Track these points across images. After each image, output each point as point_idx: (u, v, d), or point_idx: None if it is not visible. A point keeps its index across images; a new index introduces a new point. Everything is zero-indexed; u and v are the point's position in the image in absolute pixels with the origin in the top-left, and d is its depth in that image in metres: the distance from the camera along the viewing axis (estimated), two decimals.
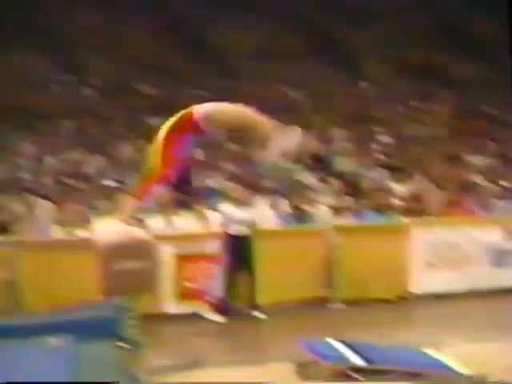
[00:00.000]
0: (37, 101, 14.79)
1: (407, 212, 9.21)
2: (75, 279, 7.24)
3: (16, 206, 8.72)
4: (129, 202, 4.54)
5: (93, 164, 11.92)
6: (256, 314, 7.83)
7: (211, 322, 7.68)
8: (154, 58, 17.61)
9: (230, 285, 7.91)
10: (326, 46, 18.38)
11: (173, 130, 4.45)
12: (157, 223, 7.95)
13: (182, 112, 4.52)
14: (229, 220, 7.97)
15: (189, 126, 4.45)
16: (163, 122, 4.66)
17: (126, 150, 12.63)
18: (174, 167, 4.44)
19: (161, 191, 4.52)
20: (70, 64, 16.84)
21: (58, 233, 8.14)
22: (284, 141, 4.38)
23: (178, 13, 19.02)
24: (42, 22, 17.37)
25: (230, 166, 11.67)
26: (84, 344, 5.20)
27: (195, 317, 7.76)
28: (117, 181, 10.32)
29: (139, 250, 4.55)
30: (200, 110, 4.46)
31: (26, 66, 16.06)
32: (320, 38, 18.58)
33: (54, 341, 5.76)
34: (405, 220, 8.93)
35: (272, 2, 18.09)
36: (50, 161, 11.68)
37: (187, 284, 7.85)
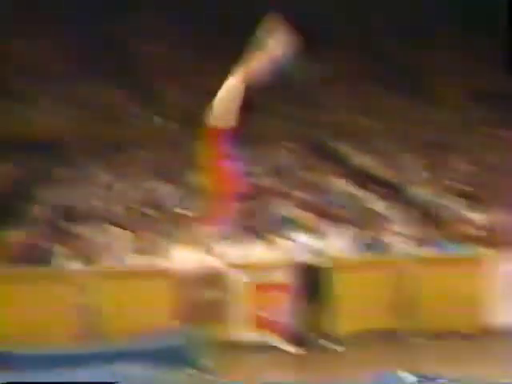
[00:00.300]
0: (113, 131, 15.18)
1: (484, 242, 8.96)
2: (151, 307, 7.33)
3: (94, 234, 8.92)
4: (203, 230, 4.57)
5: (167, 192, 12.09)
6: (330, 345, 7.72)
7: (284, 352, 7.61)
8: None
9: (304, 315, 7.84)
10: (401, 72, 18.24)
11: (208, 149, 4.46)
12: (230, 251, 7.98)
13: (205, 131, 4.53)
14: (302, 249, 7.93)
15: (218, 138, 4.46)
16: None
17: (197, 178, 12.75)
18: (231, 180, 4.44)
19: (233, 210, 4.52)
20: (145, 95, 17.23)
21: (134, 261, 8.27)
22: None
23: None
24: (119, 52, 17.92)
25: (301, 194, 11.64)
26: (158, 371, 5.25)
27: (268, 346, 7.70)
28: (191, 209, 10.42)
29: (215, 280, 4.58)
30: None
31: (103, 98, 16.54)
32: (394, 65, 18.46)
33: (130, 368, 5.84)
34: (482, 251, 8.68)
35: (345, 32, 18.07)
36: (124, 189, 11.92)
37: (260, 313, 7.82)
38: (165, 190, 12.19)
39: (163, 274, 7.32)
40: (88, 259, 8.08)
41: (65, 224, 9.49)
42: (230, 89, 4.42)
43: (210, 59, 18.52)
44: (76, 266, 7.98)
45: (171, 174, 12.96)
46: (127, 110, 17.00)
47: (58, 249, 8.64)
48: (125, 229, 9.21)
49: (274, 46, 4.35)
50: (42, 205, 11.30)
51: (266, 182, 12.69)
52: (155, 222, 9.74)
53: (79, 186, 12.07)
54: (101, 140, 14.30)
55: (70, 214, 10.44)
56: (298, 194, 11.65)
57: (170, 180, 12.63)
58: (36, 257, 8.25)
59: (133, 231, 9.14)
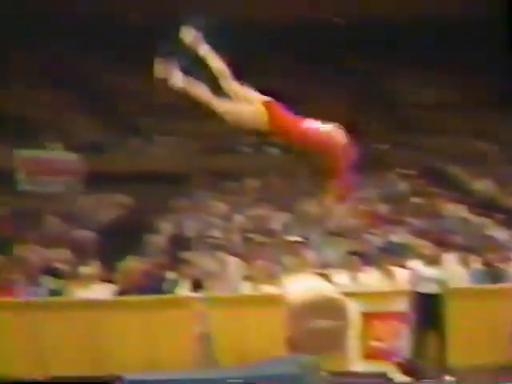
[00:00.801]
0: (228, 161, 15.53)
1: None
2: (264, 334, 7.37)
3: (207, 262, 9.10)
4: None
5: (278, 220, 12.19)
6: (446, 377, 7.45)
7: (398, 382, 7.43)
8: (337, 114, 17.79)
9: (419, 345, 7.63)
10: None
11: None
12: (344, 279, 7.92)
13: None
14: (417, 277, 7.74)
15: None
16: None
17: (310, 206, 12.79)
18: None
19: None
20: None
21: (247, 289, 8.36)
22: None
23: None
24: None
25: (416, 221, 11.41)
26: None
27: (383, 376, 7.53)
28: (302, 236, 10.45)
29: (329, 308, 4.54)
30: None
31: (218, 130, 17.00)
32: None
33: None
34: None
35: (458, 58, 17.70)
36: (237, 218, 12.12)
37: (374, 343, 7.68)
38: (278, 218, 12.30)
39: (276, 302, 7.35)
40: (202, 286, 8.23)
41: (181, 252, 9.76)
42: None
43: (315, 85, 18.64)
44: (190, 293, 8.15)
45: (284, 202, 13.08)
46: (241, 141, 17.39)
47: (173, 276, 8.89)
48: (238, 256, 9.35)
49: None
50: (160, 234, 11.70)
51: (381, 208, 12.55)
52: (268, 250, 9.82)
53: (195, 215, 12.40)
54: (216, 170, 14.69)
55: (186, 243, 10.73)
56: (412, 220, 11.43)
57: (282, 208, 12.74)
58: (153, 284, 8.51)
59: (246, 259, 9.26)
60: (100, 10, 18.10)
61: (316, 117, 4.59)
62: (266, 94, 4.47)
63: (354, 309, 7.28)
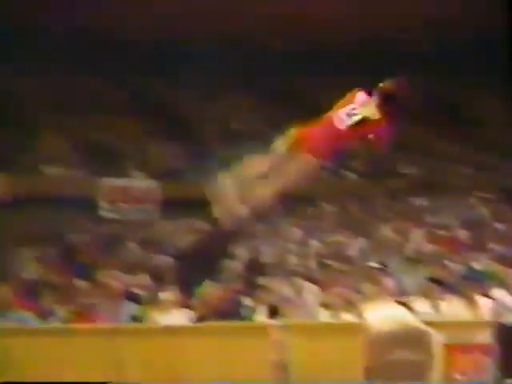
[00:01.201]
0: (304, 186, 15.49)
1: None
2: (341, 363, 7.26)
3: (284, 288, 9.08)
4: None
5: (355, 246, 12.06)
6: None
7: None
8: (411, 137, 17.57)
9: (503, 379, 7.34)
10: None
11: None
12: (425, 309, 7.73)
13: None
14: (501, 307, 7.48)
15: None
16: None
17: (387, 232, 12.61)
18: None
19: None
20: None
21: (324, 316, 8.28)
22: None
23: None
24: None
25: (497, 247, 11.06)
26: None
27: None
28: (380, 263, 10.30)
29: (413, 340, 4.42)
30: None
31: None
32: None
33: None
34: None
35: None
36: (314, 244, 12.06)
37: (457, 376, 7.43)
38: (355, 244, 12.17)
39: (354, 330, 7.24)
40: (279, 313, 8.20)
41: (257, 278, 9.77)
42: None
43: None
44: (267, 319, 8.14)
45: (361, 227, 12.94)
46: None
47: (250, 302, 8.90)
48: (315, 283, 9.28)
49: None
50: (236, 260, 11.75)
51: (461, 233, 12.24)
52: (345, 276, 9.72)
53: (271, 240, 12.41)
54: (292, 195, 14.67)
55: (262, 269, 10.74)
56: (495, 246, 11.08)
57: (359, 233, 12.60)
58: (231, 310, 8.54)
59: (323, 285, 9.18)
60: (179, 37, 18.49)
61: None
62: None
63: (436, 340, 7.08)
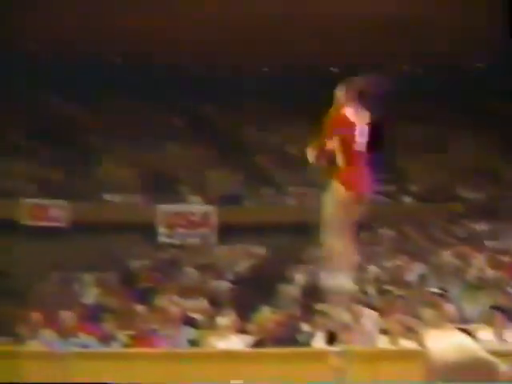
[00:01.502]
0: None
1: None
2: None
3: (342, 314, 8.98)
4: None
5: (414, 271, 11.87)
6: None
7: None
8: (473, 160, 17.33)
9: None
10: None
11: None
12: (485, 336, 7.53)
13: None
14: None
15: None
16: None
17: (446, 256, 12.39)
18: None
19: None
20: (392, 172, 17.38)
21: (383, 342, 8.15)
22: None
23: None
24: None
25: None
26: None
27: None
28: (440, 288, 10.10)
29: (478, 370, 4.30)
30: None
31: None
32: None
33: None
34: None
35: None
36: (372, 269, 11.93)
37: None
38: (414, 269, 11.99)
39: (415, 357, 7.12)
40: (337, 339, 8.11)
41: (315, 304, 9.70)
42: None
43: (452, 134, 18.20)
44: (325, 345, 8.07)
45: (420, 252, 12.76)
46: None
47: (308, 328, 8.84)
48: (373, 309, 9.16)
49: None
50: (294, 284, 11.72)
51: None
52: (405, 302, 9.57)
53: (327, 265, 12.30)
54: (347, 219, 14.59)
55: (320, 294, 10.66)
56: None
57: (418, 258, 12.42)
58: (288, 336, 8.51)
59: (382, 311, 9.05)
60: (240, 63, 18.74)
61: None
62: None
63: (503, 370, 6.87)
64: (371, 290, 10.64)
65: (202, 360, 7.74)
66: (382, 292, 10.34)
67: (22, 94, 17.72)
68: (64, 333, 8.96)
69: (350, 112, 5.11)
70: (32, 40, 17.55)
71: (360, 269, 11.98)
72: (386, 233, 14.26)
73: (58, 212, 16.30)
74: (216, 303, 11.08)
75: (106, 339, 8.88)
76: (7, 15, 15.75)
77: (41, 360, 8.05)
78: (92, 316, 10.54)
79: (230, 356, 7.63)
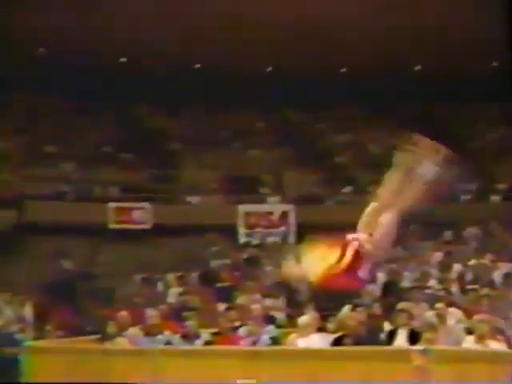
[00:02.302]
0: (443, 210, 15.13)
1: None
2: None
3: (426, 313, 8.83)
4: None
5: (500, 270, 11.55)
6: None
7: None
8: None
9: None
10: None
11: None
12: None
13: None
14: None
15: None
16: None
17: None
18: None
19: None
20: (477, 171, 16.99)
21: (468, 342, 7.96)
22: None
23: None
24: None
25: None
26: None
27: None
28: None
29: None
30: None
31: None
32: None
33: None
34: None
35: None
36: (457, 268, 11.67)
37: None
38: (499, 268, 11.67)
39: (502, 358, 6.92)
40: (420, 339, 7.98)
41: (397, 302, 9.57)
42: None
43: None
44: (408, 345, 7.94)
45: (506, 251, 12.41)
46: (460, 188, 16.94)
47: (390, 327, 8.73)
48: (458, 307, 8.97)
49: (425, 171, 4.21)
50: (376, 283, 11.58)
51: None
52: (490, 302, 9.32)
53: (411, 264, 12.16)
54: (433, 219, 14.34)
55: (403, 293, 10.52)
56: None
57: (504, 257, 12.09)
58: (370, 335, 8.42)
59: (467, 311, 8.85)
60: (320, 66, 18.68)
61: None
62: None
63: None
64: (456, 288, 10.42)
65: (283, 358, 7.75)
66: (467, 291, 10.11)
67: (109, 104, 18.27)
68: (149, 331, 9.17)
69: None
70: (120, 54, 18.10)
71: (444, 268, 11.77)
72: (472, 231, 13.93)
73: (141, 214, 16.69)
74: (296, 302, 11.09)
75: (189, 337, 9.04)
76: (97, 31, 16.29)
77: (128, 357, 8.28)
78: (175, 314, 10.75)
79: (310, 354, 7.61)
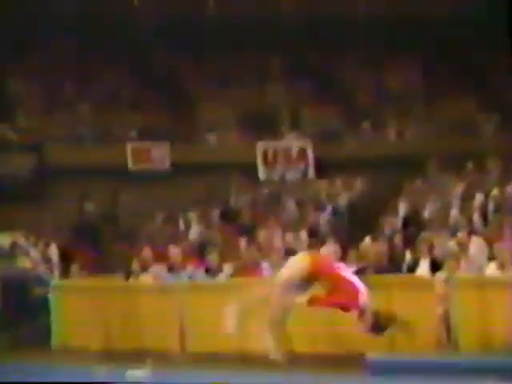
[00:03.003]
0: (464, 143, 14.99)
1: None
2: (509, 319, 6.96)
3: (448, 243, 8.83)
4: None
5: None
6: None
7: None
8: None
9: None
10: None
11: None
12: None
13: None
14: None
15: None
16: None
17: None
18: None
19: None
20: (492, 107, 16.74)
21: (491, 270, 7.97)
22: None
23: None
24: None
25: None
26: None
27: None
28: None
29: None
30: None
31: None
32: None
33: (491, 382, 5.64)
34: None
35: None
36: (479, 198, 11.59)
37: None
38: None
39: None
40: (441, 267, 8.00)
41: (420, 233, 9.58)
42: None
43: None
44: (430, 274, 7.98)
45: None
46: (476, 121, 16.73)
47: (412, 257, 8.77)
48: (480, 236, 8.95)
49: None
50: (397, 216, 11.58)
51: None
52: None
53: (433, 196, 12.09)
54: (454, 152, 14.21)
55: (425, 224, 10.52)
56: None
57: None
58: (393, 265, 8.46)
59: (488, 239, 8.83)
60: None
61: None
62: None
63: None
64: (478, 218, 10.37)
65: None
66: (489, 220, 10.07)
67: (125, 46, 18.06)
68: (173, 267, 9.29)
69: None
70: None
71: (466, 197, 11.69)
72: (492, 162, 13.76)
73: (160, 155, 16.66)
74: (317, 236, 11.14)
75: (212, 271, 9.15)
76: None
77: (153, 293, 8.42)
78: (198, 251, 10.87)
79: None
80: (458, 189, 12.24)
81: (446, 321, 7.22)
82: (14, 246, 11.05)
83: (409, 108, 17.72)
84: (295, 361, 7.44)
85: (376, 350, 6.88)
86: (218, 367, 7.48)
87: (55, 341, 8.71)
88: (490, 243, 8.68)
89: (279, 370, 6.94)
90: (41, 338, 8.98)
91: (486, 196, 11.43)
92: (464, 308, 7.22)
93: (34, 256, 11.07)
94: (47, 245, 11.73)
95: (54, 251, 11.71)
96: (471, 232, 9.17)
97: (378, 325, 4.80)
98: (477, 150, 14.68)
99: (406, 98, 17.98)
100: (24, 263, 10.29)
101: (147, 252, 9.87)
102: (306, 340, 7.62)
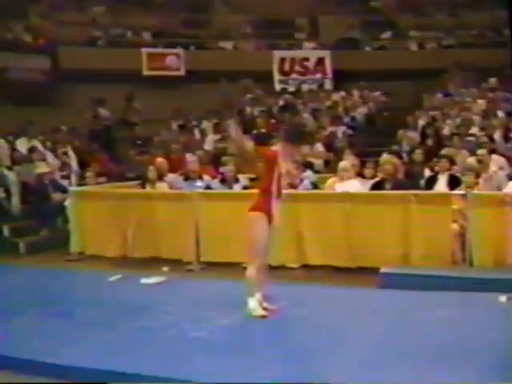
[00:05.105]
0: (485, 56, 14.57)
1: None
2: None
3: (467, 159, 8.74)
4: None
5: None
6: None
7: None
8: None
9: None
10: None
11: None
12: None
13: None
14: None
15: None
16: None
17: None
18: None
19: None
20: None
21: (510, 189, 7.88)
22: None
23: None
24: None
25: None
26: None
27: None
28: None
29: None
30: None
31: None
32: None
33: (502, 298, 5.66)
34: None
35: None
36: (500, 115, 11.40)
37: None
38: None
39: None
40: (460, 184, 7.93)
41: (439, 149, 9.48)
42: None
43: None
44: (448, 190, 7.92)
45: None
46: (501, 33, 16.25)
47: (430, 172, 8.70)
48: (501, 155, 8.85)
49: None
50: (416, 130, 11.45)
51: None
52: None
53: (453, 112, 11.91)
54: (475, 65, 13.86)
55: (444, 140, 10.40)
56: None
57: None
58: (411, 180, 8.40)
59: (509, 158, 8.73)
60: None
61: None
62: None
63: None
64: (499, 136, 10.23)
65: (320, 201, 7.81)
66: (509, 139, 9.92)
67: None
68: (189, 176, 9.27)
69: None
70: None
71: (486, 115, 11.50)
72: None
73: (175, 61, 16.39)
74: (335, 148, 11.04)
75: (227, 181, 9.13)
76: None
77: (168, 201, 8.42)
78: (213, 160, 10.83)
79: (347, 198, 7.64)
80: (480, 105, 12.04)
81: (462, 237, 7.20)
82: (31, 151, 11.03)
83: (431, 18, 17.20)
84: (309, 272, 7.55)
85: (390, 263, 6.91)
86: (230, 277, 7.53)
87: (73, 247, 8.81)
88: (510, 162, 8.60)
89: (293, 280, 7.05)
90: (59, 244, 9.08)
91: (509, 115, 11.25)
92: (481, 225, 7.18)
93: (52, 162, 11.06)
94: (64, 152, 11.69)
95: (72, 157, 11.68)
96: (492, 150, 9.04)
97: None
98: (500, 64, 14.33)
99: (429, 7, 17.43)
100: (42, 169, 10.27)
101: (162, 160, 9.82)
102: (320, 253, 7.66)
